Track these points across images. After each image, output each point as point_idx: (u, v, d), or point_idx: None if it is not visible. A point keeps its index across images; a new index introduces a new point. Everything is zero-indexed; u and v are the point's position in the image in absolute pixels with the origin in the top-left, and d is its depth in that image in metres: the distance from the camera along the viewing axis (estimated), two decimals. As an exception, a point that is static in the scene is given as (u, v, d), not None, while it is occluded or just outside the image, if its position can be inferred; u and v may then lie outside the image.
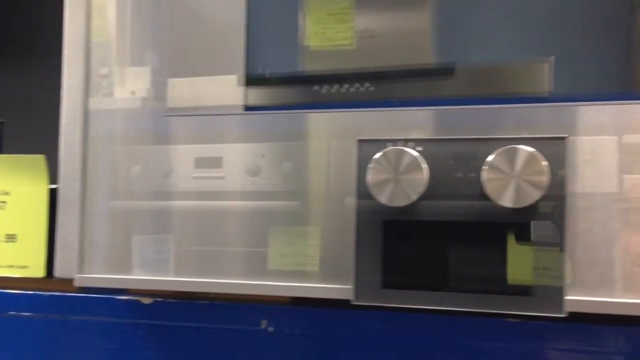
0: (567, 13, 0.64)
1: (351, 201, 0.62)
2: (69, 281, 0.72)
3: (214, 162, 0.69)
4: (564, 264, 0.57)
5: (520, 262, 0.58)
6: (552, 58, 0.61)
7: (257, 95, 0.70)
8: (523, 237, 0.57)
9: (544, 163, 0.56)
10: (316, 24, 0.73)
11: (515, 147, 0.56)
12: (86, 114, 0.73)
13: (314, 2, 0.73)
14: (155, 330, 0.72)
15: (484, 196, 0.57)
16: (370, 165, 0.60)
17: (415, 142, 0.61)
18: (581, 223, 0.56)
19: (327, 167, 0.64)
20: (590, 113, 0.58)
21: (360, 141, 0.63)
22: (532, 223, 0.57)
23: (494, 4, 0.71)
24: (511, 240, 0.58)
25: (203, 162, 0.70)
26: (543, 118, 0.59)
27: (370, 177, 0.60)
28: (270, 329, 0.68)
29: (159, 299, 0.73)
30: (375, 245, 0.61)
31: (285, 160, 0.66)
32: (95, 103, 0.73)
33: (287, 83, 0.69)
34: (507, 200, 0.56)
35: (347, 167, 0.63)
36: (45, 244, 0.88)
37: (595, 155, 0.57)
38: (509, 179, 0.56)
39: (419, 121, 0.62)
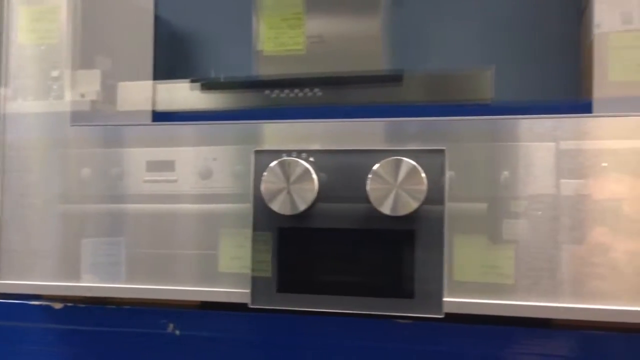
0: (511, 23, 0.66)
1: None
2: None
3: (166, 166, 0.69)
4: (443, 268, 0.60)
5: (403, 267, 0.61)
6: (494, 66, 0.63)
7: (211, 99, 0.71)
8: (406, 243, 0.61)
9: (423, 175, 0.60)
10: (270, 29, 0.74)
11: (397, 159, 0.60)
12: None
13: (267, 7, 0.74)
14: (66, 334, 0.73)
15: (368, 204, 0.61)
16: (264, 175, 0.63)
17: (308, 153, 0.64)
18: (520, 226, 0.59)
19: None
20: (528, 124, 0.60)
21: (257, 151, 0.65)
22: (414, 230, 0.61)
23: (444, 12, 0.73)
24: (395, 246, 0.62)
25: (155, 166, 0.70)
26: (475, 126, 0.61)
27: (263, 186, 0.63)
28: (177, 332, 0.69)
29: (69, 304, 0.73)
30: (268, 251, 0.64)
31: (237, 164, 0.67)
32: (45, 106, 0.73)
33: (240, 88, 0.70)
34: (388, 208, 0.60)
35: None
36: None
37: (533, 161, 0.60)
38: (390, 188, 0.60)
39: (325, 131, 0.65)
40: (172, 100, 0.71)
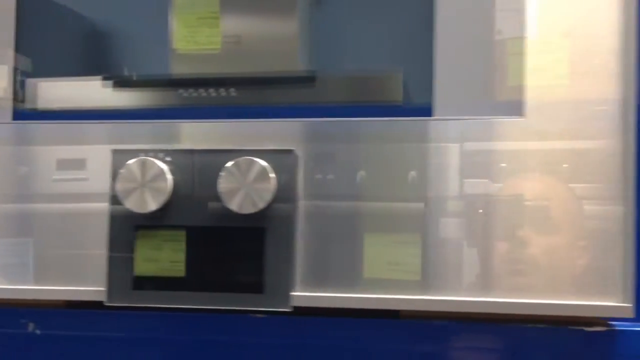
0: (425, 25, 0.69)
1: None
2: None
3: (77, 164, 0.68)
4: (291, 264, 0.63)
5: (254, 263, 0.63)
6: (402, 69, 0.65)
7: (124, 97, 0.70)
8: (256, 240, 0.63)
9: (272, 175, 0.62)
10: (186, 28, 0.73)
11: (247, 159, 0.62)
12: None
13: (184, 5, 0.73)
14: None
15: (220, 203, 0.63)
16: (120, 173, 0.64)
17: (166, 153, 0.65)
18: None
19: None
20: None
21: (115, 151, 0.66)
22: (264, 228, 0.63)
23: (362, 14, 0.75)
24: (245, 243, 0.64)
25: (65, 164, 0.68)
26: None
27: (119, 185, 0.64)
28: (37, 331, 0.69)
29: None
30: (126, 249, 0.65)
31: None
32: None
33: (153, 86, 0.70)
34: (236, 205, 0.62)
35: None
36: None
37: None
38: (240, 187, 0.62)
39: (197, 131, 0.66)
40: (85, 98, 0.70)
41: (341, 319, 0.64)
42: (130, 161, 0.64)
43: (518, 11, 0.62)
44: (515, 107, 0.61)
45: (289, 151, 0.63)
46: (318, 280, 0.63)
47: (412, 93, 0.66)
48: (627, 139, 0.59)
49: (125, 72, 0.72)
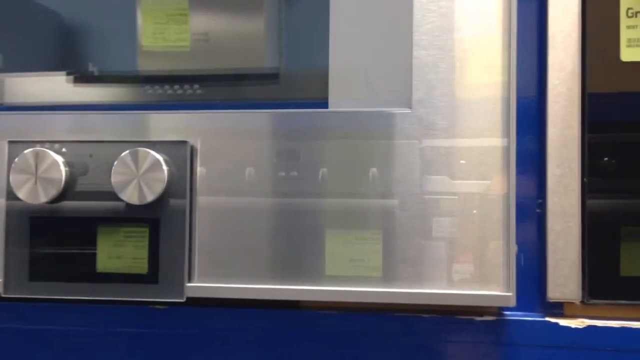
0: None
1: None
2: None
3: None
4: (184, 255, 0.63)
5: (148, 254, 0.64)
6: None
7: (87, 93, 0.70)
8: (150, 231, 0.64)
9: (164, 167, 0.62)
10: (154, 24, 0.73)
11: (138, 150, 0.63)
12: None
13: (152, 2, 0.73)
14: None
15: (113, 194, 0.63)
16: (12, 165, 0.64)
17: (61, 144, 0.65)
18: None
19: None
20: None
21: (10, 142, 0.66)
22: (158, 219, 0.64)
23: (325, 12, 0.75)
24: (139, 235, 0.64)
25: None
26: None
27: (12, 176, 0.64)
28: None
29: None
30: (22, 241, 0.66)
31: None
32: None
33: (117, 82, 0.70)
34: (128, 196, 0.62)
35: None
36: None
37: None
38: (132, 178, 0.63)
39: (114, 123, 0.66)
40: (47, 93, 0.70)
41: (239, 309, 0.66)
42: (25, 152, 0.64)
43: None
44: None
45: (183, 142, 0.64)
46: (223, 271, 0.64)
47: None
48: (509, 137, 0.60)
49: (90, 68, 0.72)
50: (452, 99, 0.61)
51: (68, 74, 0.70)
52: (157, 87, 0.68)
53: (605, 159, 0.62)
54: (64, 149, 0.65)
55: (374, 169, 0.62)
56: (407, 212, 0.61)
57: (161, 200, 0.63)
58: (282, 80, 0.67)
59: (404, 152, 0.62)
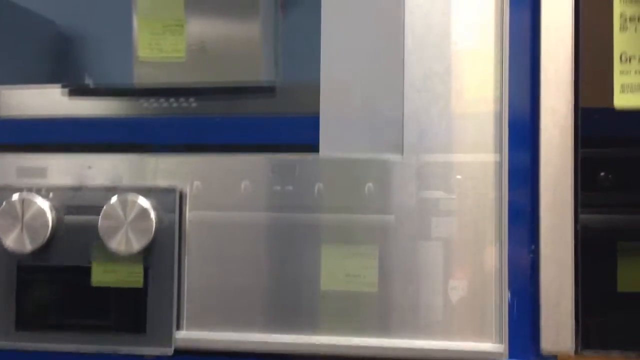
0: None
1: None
2: None
3: (38, 172, 0.68)
4: (173, 304, 0.62)
5: (136, 302, 0.63)
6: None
7: (81, 106, 0.69)
8: (135, 280, 0.63)
9: (152, 214, 0.62)
10: (150, 35, 0.73)
11: (125, 198, 0.62)
12: None
13: (148, 12, 0.73)
14: None
15: (99, 240, 0.62)
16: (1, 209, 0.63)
17: (47, 190, 0.64)
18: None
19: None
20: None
21: None
22: (145, 267, 0.63)
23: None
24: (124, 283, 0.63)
25: (26, 172, 0.68)
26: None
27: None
28: None
29: None
30: (7, 289, 0.65)
31: (110, 173, 0.66)
32: None
33: (113, 95, 0.69)
34: (115, 244, 0.61)
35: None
36: None
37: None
38: (120, 226, 0.61)
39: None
40: (42, 106, 0.70)
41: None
42: (10, 198, 0.63)
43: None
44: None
45: (171, 189, 0.63)
46: (214, 319, 0.62)
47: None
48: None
49: (86, 80, 0.72)
50: (448, 113, 0.61)
51: (63, 86, 0.69)
52: (152, 100, 0.68)
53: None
54: (50, 194, 0.64)
55: (370, 184, 0.62)
56: (403, 228, 0.61)
57: (149, 248, 0.62)
58: (279, 93, 0.67)
59: (400, 167, 0.62)
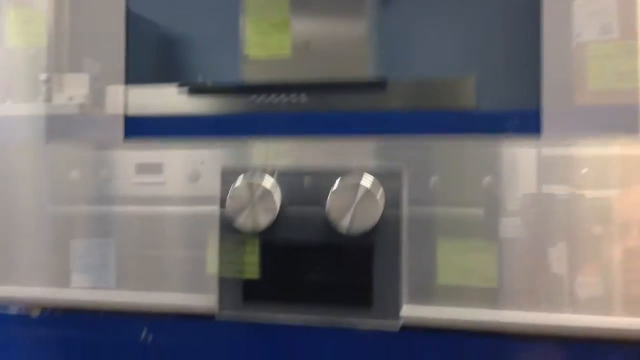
0: (492, 32, 0.68)
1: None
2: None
3: (155, 168, 0.70)
4: (400, 280, 0.63)
5: (362, 279, 0.63)
6: (476, 74, 0.65)
7: (197, 104, 0.71)
8: (364, 258, 0.64)
9: (380, 194, 0.62)
10: (257, 34, 0.75)
11: (356, 178, 0.62)
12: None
13: (255, 12, 0.75)
14: (41, 342, 0.73)
15: (328, 221, 0.63)
16: (230, 192, 0.65)
17: (273, 171, 0.66)
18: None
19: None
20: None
21: (224, 169, 0.67)
22: (372, 244, 0.63)
23: (429, 20, 0.74)
24: (354, 262, 0.64)
25: (144, 168, 0.71)
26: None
27: (229, 203, 0.65)
28: (149, 338, 0.71)
29: (46, 312, 0.74)
30: (236, 263, 0.66)
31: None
32: (34, 109, 0.73)
33: (227, 93, 0.71)
34: (346, 225, 0.62)
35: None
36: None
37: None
38: (348, 206, 0.62)
39: (297, 146, 0.67)
40: (157, 104, 0.72)
41: (451, 336, 0.63)
42: (240, 181, 0.65)
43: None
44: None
45: (397, 173, 0.64)
46: (424, 294, 0.63)
47: (485, 97, 0.65)
48: None
49: (200, 80, 0.74)
50: (571, 105, 0.60)
51: (181, 85, 0.71)
52: (263, 96, 0.69)
53: None
54: (275, 176, 0.66)
55: (488, 178, 0.61)
56: (524, 223, 0.60)
57: (374, 229, 0.62)
58: (390, 88, 0.67)
59: (521, 160, 0.61)
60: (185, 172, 0.69)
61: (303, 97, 0.69)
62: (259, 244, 0.66)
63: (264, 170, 0.66)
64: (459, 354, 0.62)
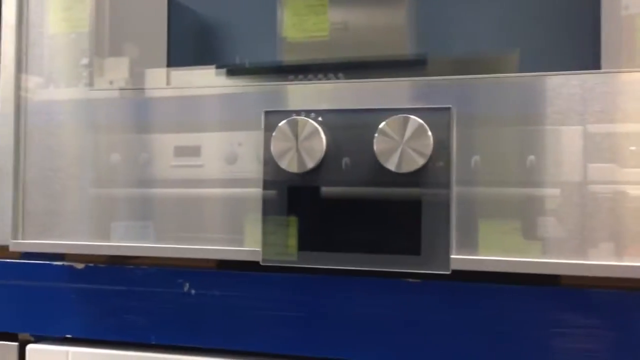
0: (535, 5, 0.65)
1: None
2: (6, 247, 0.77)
3: (193, 151, 0.71)
4: (450, 225, 0.61)
5: (410, 223, 0.62)
6: (518, 49, 0.63)
7: (239, 84, 0.71)
8: (412, 200, 0.62)
9: (429, 133, 0.60)
10: (294, 16, 0.74)
11: (404, 117, 0.61)
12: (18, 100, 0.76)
13: (292, -5, 0.74)
14: (87, 293, 0.76)
15: (375, 162, 0.61)
16: (274, 134, 0.64)
17: (317, 113, 0.65)
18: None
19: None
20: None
21: (267, 112, 0.66)
22: (420, 187, 0.61)
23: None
24: (402, 204, 0.62)
25: (182, 151, 0.71)
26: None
27: (273, 144, 0.64)
28: (192, 291, 0.72)
29: (91, 264, 0.76)
30: (280, 211, 0.65)
31: (262, 148, 0.68)
32: (76, 93, 0.74)
33: (265, 73, 0.71)
34: (393, 165, 0.60)
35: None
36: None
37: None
38: (397, 146, 0.60)
39: (332, 93, 0.66)
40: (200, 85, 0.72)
41: (499, 286, 0.62)
42: (283, 121, 0.64)
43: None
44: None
45: (446, 109, 0.61)
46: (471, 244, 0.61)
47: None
48: None
49: (237, 62, 0.73)
50: (615, 81, 0.57)
51: (218, 67, 0.71)
52: (300, 76, 0.69)
53: None
54: (319, 117, 0.65)
55: (532, 157, 0.59)
56: (569, 203, 0.58)
57: (424, 167, 0.61)
58: (430, 66, 0.65)
59: (566, 137, 0.58)
60: (222, 154, 0.69)
61: (341, 77, 0.68)
62: (301, 186, 0.65)
63: (307, 113, 0.65)
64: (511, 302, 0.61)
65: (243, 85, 0.70)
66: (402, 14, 0.71)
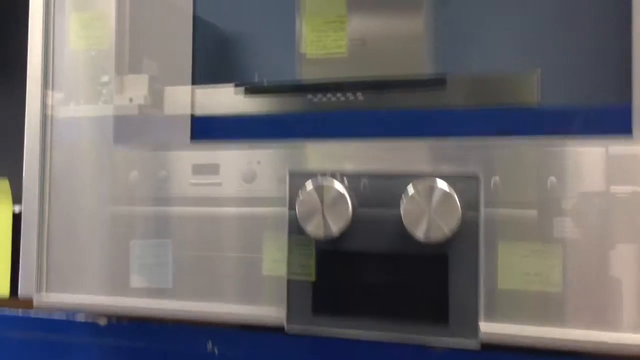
0: (558, 24, 0.65)
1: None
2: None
3: (211, 169, 0.71)
4: (478, 296, 0.59)
5: (437, 292, 0.61)
6: (539, 70, 0.62)
7: (254, 104, 0.71)
8: (439, 268, 0.61)
9: (457, 201, 0.59)
10: (313, 32, 0.74)
11: (431, 184, 0.59)
12: (45, 124, 0.76)
13: (311, 10, 0.74)
14: (110, 350, 0.76)
15: (402, 229, 0.60)
16: (299, 197, 0.63)
17: (342, 175, 0.64)
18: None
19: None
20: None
21: (291, 173, 0.66)
22: (447, 255, 0.60)
23: (488, 14, 0.72)
24: (429, 271, 0.61)
25: (200, 169, 0.71)
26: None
27: (298, 208, 0.63)
28: (216, 350, 0.71)
29: (114, 321, 0.76)
30: (305, 274, 0.64)
31: (280, 167, 0.68)
32: (95, 110, 0.75)
33: (283, 92, 0.71)
34: (422, 233, 0.59)
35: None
36: (9, 265, 0.91)
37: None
38: (424, 213, 0.59)
39: (362, 149, 0.65)
40: (215, 105, 0.72)
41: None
42: (309, 185, 0.63)
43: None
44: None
45: (474, 177, 0.60)
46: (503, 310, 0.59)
47: (547, 94, 0.63)
48: None
49: (256, 79, 0.73)
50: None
51: (237, 85, 0.72)
52: (320, 95, 0.68)
53: None
54: (345, 180, 0.64)
55: (553, 178, 0.59)
56: (590, 225, 0.57)
57: (451, 237, 0.59)
58: (449, 85, 0.65)
59: (587, 159, 0.58)
60: (241, 172, 0.69)
61: (359, 96, 0.67)
62: (327, 250, 0.64)
63: (333, 175, 0.64)
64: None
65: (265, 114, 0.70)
66: (421, 29, 0.71)
